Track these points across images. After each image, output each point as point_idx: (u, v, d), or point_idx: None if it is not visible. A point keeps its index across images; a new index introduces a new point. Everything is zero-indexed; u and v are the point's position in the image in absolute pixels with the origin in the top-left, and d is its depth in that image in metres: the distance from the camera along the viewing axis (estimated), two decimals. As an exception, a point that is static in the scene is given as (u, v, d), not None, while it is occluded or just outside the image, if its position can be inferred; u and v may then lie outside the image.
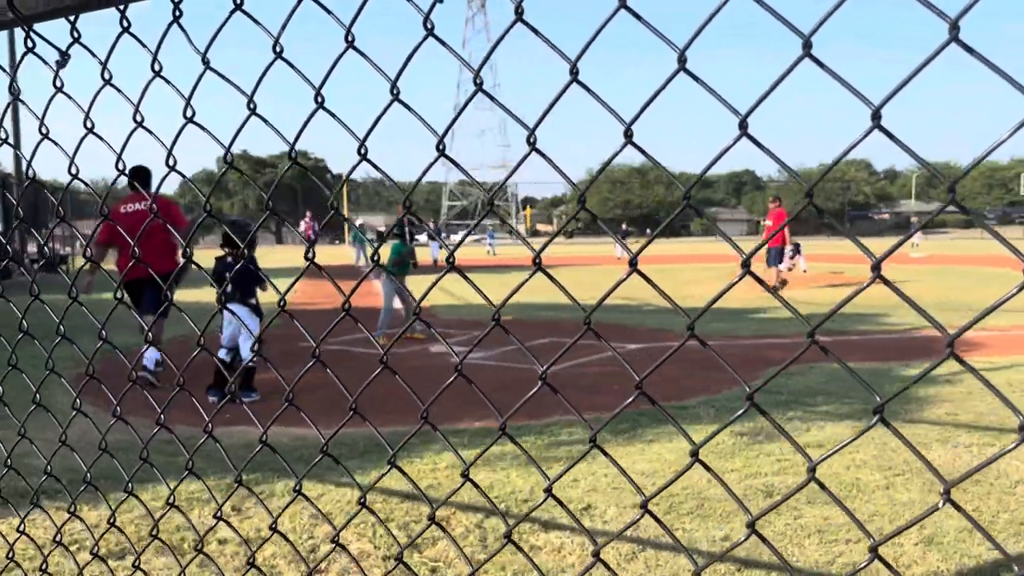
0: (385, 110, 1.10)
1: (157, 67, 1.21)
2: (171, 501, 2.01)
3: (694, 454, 1.18)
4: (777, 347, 9.57)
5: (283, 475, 4.88)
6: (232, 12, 1.09)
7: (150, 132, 1.29)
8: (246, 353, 6.68)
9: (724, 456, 5.13)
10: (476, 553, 3.81)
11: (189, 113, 1.25)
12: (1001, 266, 23.64)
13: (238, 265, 6.33)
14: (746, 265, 1.04)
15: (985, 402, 6.39)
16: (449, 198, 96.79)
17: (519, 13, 0.99)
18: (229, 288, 6.65)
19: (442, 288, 17.34)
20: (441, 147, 1.12)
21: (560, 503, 1.41)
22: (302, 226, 36.24)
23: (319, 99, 1.12)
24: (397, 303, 11.00)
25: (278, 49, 1.13)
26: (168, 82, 1.14)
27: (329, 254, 36.25)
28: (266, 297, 7.17)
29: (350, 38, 1.06)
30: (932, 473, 0.98)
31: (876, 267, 0.87)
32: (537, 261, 1.16)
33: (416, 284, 11.94)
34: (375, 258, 1.31)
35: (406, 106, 1.12)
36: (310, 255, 1.34)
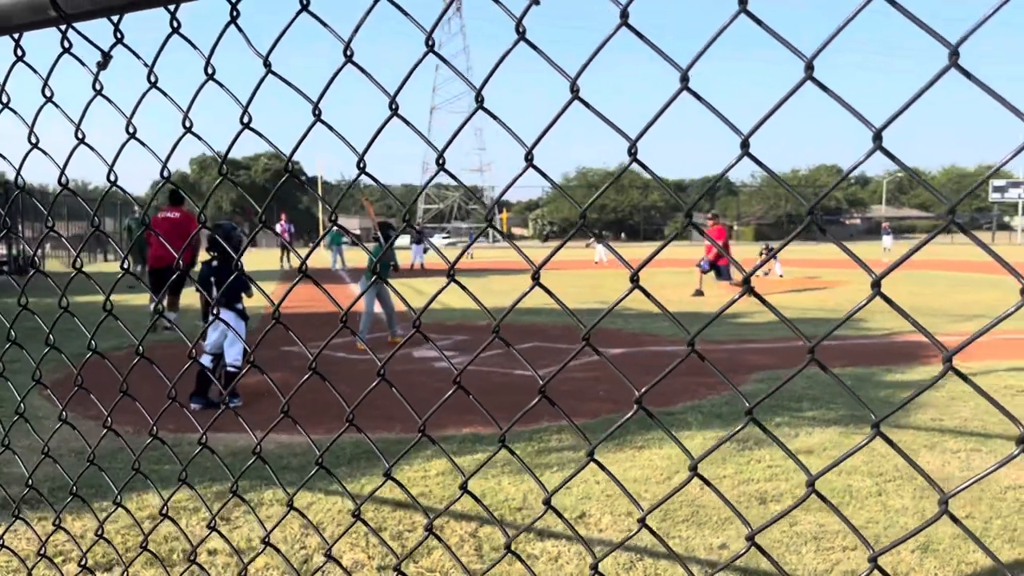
0: (384, 125, 1.09)
1: (211, 70, 1.17)
2: (164, 512, 1.94)
3: (693, 468, 1.17)
4: (758, 352, 9.62)
5: (271, 483, 4.80)
6: (228, 24, 1.05)
7: (143, 144, 1.25)
8: (231, 358, 6.58)
9: (715, 463, 5.12)
10: (472, 563, 3.76)
11: (188, 124, 1.22)
12: (969, 271, 23.99)
13: (224, 269, 6.24)
14: (747, 282, 1.02)
15: (968, 407, 6.46)
16: (425, 201, 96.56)
17: (521, 32, 0.96)
18: (215, 293, 6.55)
19: (420, 292, 17.28)
20: (441, 162, 1.09)
21: (559, 515, 1.38)
22: (278, 229, 35.85)
23: (316, 112, 1.10)
24: (377, 307, 10.91)
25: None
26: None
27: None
28: (249, 302, 7.07)
29: (349, 52, 1.03)
30: (930, 484, 0.96)
31: (876, 284, 0.86)
32: (535, 277, 1.12)
33: (398, 288, 11.85)
34: (375, 260, 1.28)
35: (406, 122, 1.10)
36: (303, 268, 1.30)
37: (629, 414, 1.26)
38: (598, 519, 4.26)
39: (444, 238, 77.84)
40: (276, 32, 1.09)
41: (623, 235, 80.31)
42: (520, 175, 1.10)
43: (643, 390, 1.15)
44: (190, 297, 14.79)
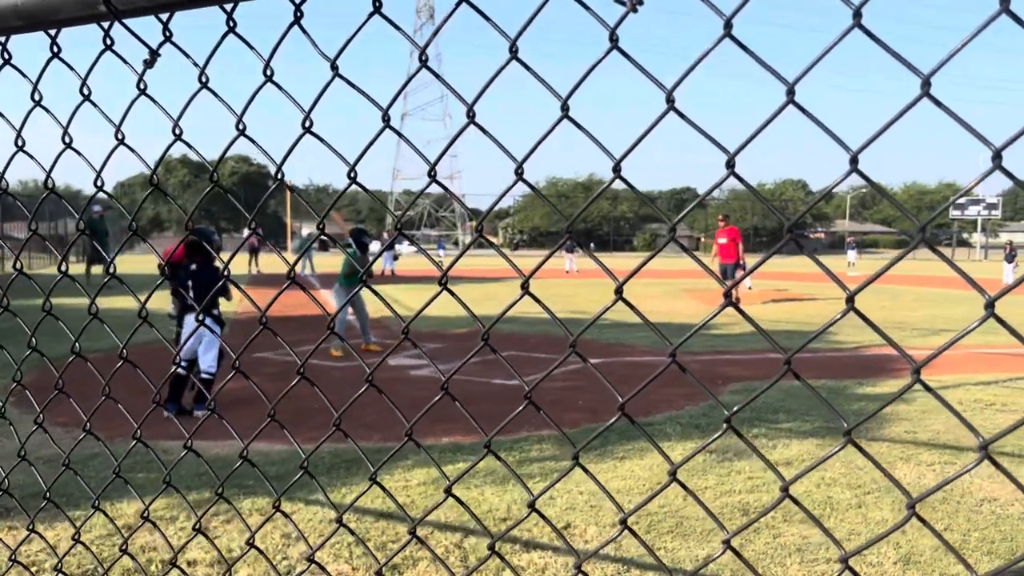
0: (377, 136, 1.09)
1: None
2: (146, 515, 1.90)
3: (672, 473, 1.17)
4: (732, 363, 9.69)
5: (249, 493, 4.72)
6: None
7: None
8: (205, 365, 6.47)
9: (696, 474, 5.13)
10: (458, 573, 3.73)
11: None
12: (935, 286, 24.42)
13: (202, 274, 6.13)
14: (727, 296, 1.04)
15: (940, 420, 6.55)
16: (395, 207, 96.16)
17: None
18: (190, 299, 6.44)
19: (393, 300, 17.16)
20: (433, 173, 1.09)
21: (544, 518, 1.38)
22: (244, 233, 35.40)
23: (307, 124, 1.09)
24: (350, 312, 10.83)
25: (269, 73, 1.09)
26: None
27: (273, 263, 35.63)
28: (223, 306, 6.98)
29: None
30: (900, 491, 0.99)
31: (850, 299, 0.89)
32: (525, 286, 1.13)
33: (367, 294, 11.77)
34: (365, 270, 1.27)
35: (398, 134, 1.10)
36: (291, 274, 1.29)
37: (612, 420, 1.27)
38: (583, 529, 4.24)
39: (411, 245, 77.19)
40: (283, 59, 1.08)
41: (592, 245, 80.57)
42: (511, 187, 1.10)
43: (626, 397, 1.15)
44: (162, 300, 14.57)
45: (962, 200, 71.12)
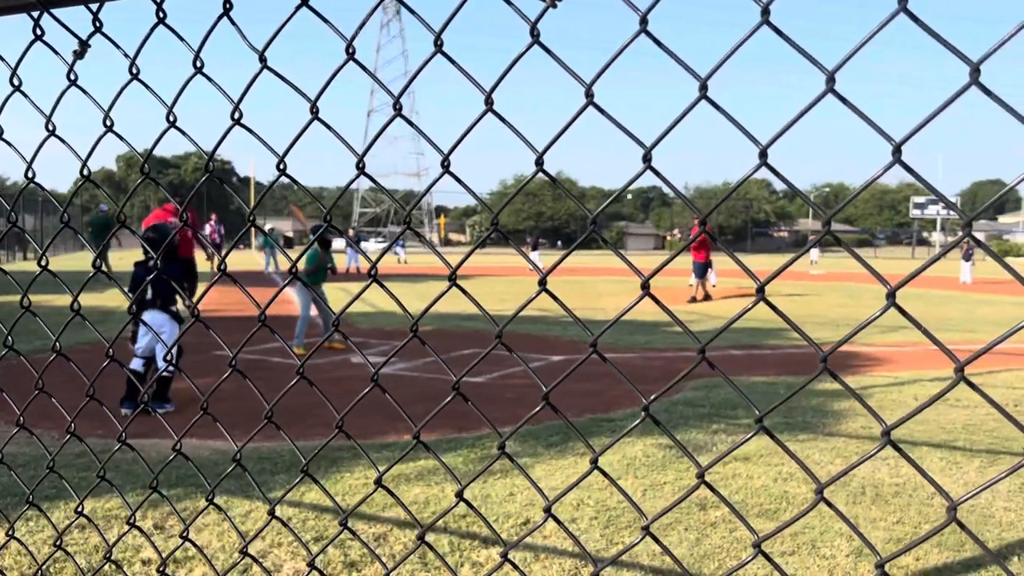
0: (304, 129, 1.09)
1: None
2: (80, 510, 1.89)
3: (593, 461, 1.22)
4: (694, 360, 9.79)
5: (207, 490, 4.68)
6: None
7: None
8: (163, 363, 6.39)
9: (655, 468, 5.19)
10: (416, 571, 3.73)
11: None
12: (892, 284, 24.87)
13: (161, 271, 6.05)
14: (645, 287, 1.07)
15: (896, 415, 6.68)
16: (361, 205, 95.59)
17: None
18: (149, 295, 6.36)
19: (359, 298, 16.95)
20: (361, 166, 1.09)
21: (471, 507, 1.40)
22: (207, 229, 35.01)
23: (237, 115, 1.09)
24: (313, 311, 10.77)
25: (199, 64, 1.09)
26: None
27: (236, 260, 35.25)
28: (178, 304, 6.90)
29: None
30: (808, 475, 1.03)
31: (760, 290, 0.93)
32: (452, 278, 1.14)
33: (332, 292, 11.71)
34: (311, 265, 1.28)
35: (326, 125, 1.10)
36: (223, 267, 1.30)
37: (535, 410, 1.29)
38: (543, 526, 4.26)
39: (379, 242, 77.17)
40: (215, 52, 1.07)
41: (559, 243, 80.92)
42: (436, 180, 1.12)
43: (549, 388, 1.17)
44: (118, 298, 14.34)
45: (921, 199, 72.46)
